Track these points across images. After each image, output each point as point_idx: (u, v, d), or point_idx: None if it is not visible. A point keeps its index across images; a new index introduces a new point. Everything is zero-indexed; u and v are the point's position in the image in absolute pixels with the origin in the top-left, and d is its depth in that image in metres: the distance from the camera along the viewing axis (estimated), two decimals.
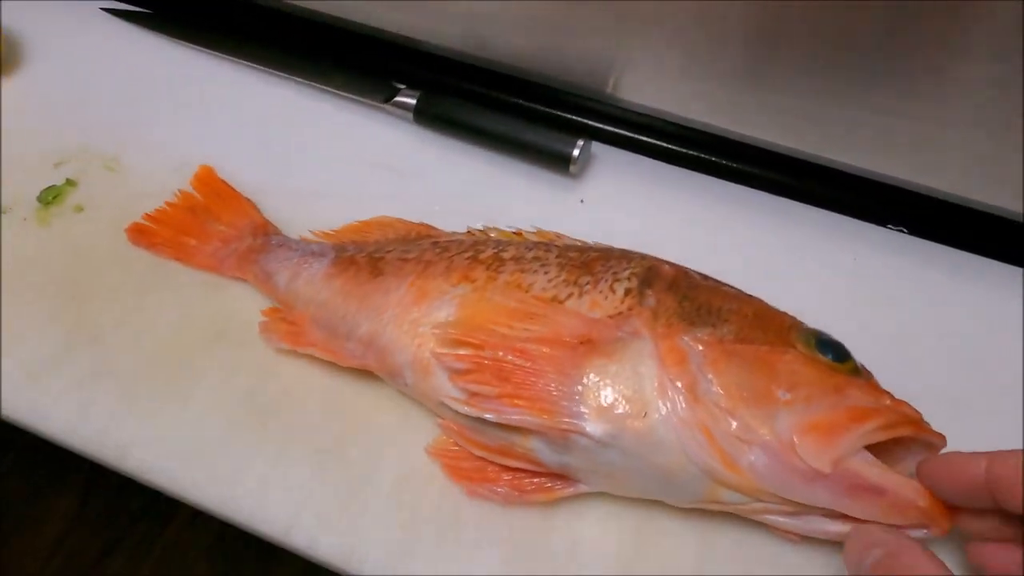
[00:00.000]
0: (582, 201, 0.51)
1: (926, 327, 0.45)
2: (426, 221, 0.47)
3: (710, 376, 0.32)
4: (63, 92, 0.54)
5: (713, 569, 0.35)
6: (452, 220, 0.48)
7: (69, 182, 0.48)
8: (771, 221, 0.50)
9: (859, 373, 0.34)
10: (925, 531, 0.31)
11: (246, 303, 0.44)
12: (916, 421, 0.32)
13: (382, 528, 0.36)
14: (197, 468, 0.38)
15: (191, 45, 0.57)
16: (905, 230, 0.49)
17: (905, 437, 0.32)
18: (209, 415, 0.39)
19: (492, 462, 0.37)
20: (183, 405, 0.40)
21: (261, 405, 0.40)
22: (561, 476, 0.36)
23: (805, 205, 0.51)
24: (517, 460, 0.36)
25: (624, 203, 0.51)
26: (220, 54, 0.57)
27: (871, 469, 0.30)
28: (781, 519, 0.33)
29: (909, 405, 0.33)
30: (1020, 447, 0.37)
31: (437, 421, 0.38)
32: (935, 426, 0.33)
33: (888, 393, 0.33)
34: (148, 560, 1.02)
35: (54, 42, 0.58)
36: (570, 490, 0.36)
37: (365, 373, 0.40)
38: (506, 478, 0.36)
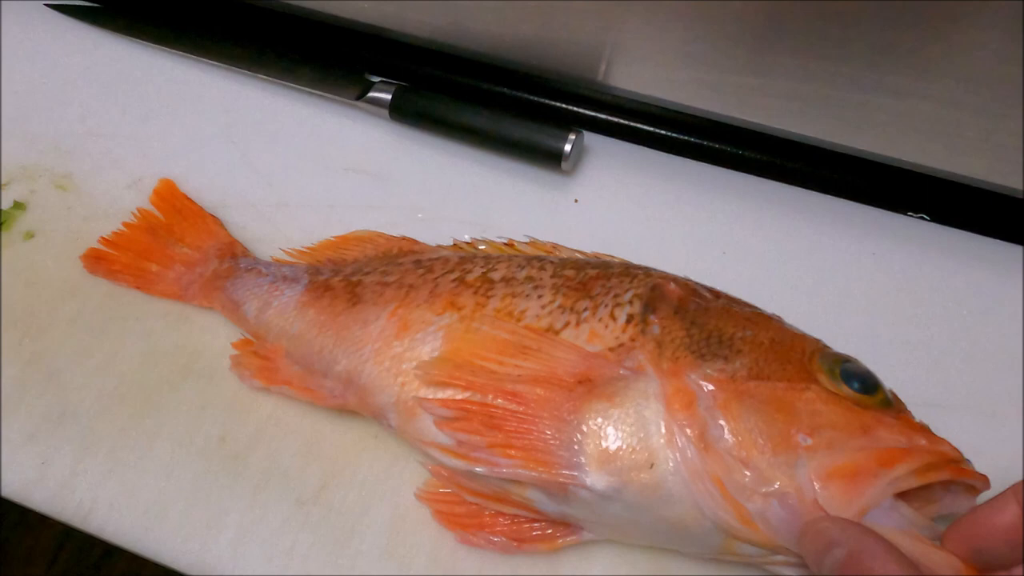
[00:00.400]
0: (576, 201, 0.47)
1: (948, 317, 0.42)
2: (409, 229, 0.43)
3: (721, 421, 0.29)
4: (5, 102, 0.50)
5: None
6: (437, 228, 0.44)
7: (17, 205, 0.44)
8: (781, 211, 0.46)
9: (890, 405, 0.30)
10: None
11: (215, 334, 0.40)
12: (955, 462, 0.29)
13: None
14: (166, 527, 0.35)
15: (144, 42, 0.53)
16: (927, 217, 0.46)
17: None
18: (177, 464, 0.36)
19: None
20: (148, 452, 0.37)
21: (233, 450, 0.37)
22: (564, 523, 0.33)
23: (817, 193, 0.47)
24: (514, 507, 0.33)
25: (622, 200, 0.47)
26: (176, 51, 0.52)
27: (903, 539, 0.27)
28: (797, 574, 0.30)
29: (948, 443, 0.29)
30: None
31: (426, 465, 0.34)
32: (962, 424, 0.30)
33: (924, 429, 0.30)
34: None
35: None
36: (573, 538, 0.33)
37: (339, 409, 0.37)
38: (504, 524, 0.33)
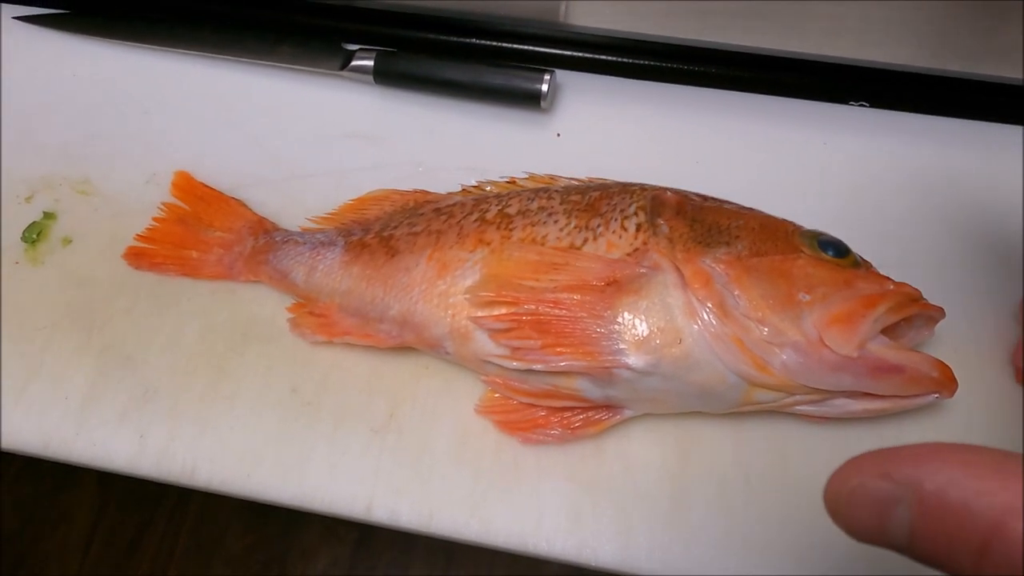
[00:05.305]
0: (559, 135, 0.52)
1: (901, 195, 0.49)
2: (413, 182, 0.48)
3: (736, 292, 0.35)
4: (5, 118, 0.52)
5: (752, 459, 0.40)
6: (438, 177, 0.48)
7: (47, 215, 0.47)
8: (741, 117, 0.52)
9: (859, 265, 0.37)
10: (936, 395, 0.35)
11: (262, 303, 0.45)
12: (918, 299, 0.36)
13: (452, 488, 0.39)
14: (263, 471, 0.40)
15: (121, 42, 0.55)
16: (867, 104, 0.52)
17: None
18: (259, 418, 0.41)
19: (539, 407, 0.39)
20: (231, 412, 0.41)
21: (305, 398, 0.42)
22: (606, 407, 0.39)
23: (771, 96, 0.53)
24: (563, 400, 0.39)
25: (598, 128, 0.52)
26: (154, 46, 0.54)
27: (889, 351, 0.34)
28: (809, 408, 0.37)
29: (909, 285, 0.36)
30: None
31: (482, 378, 0.40)
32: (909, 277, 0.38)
33: (889, 278, 0.37)
34: (184, 527, 1.05)
35: None
36: (616, 418, 0.39)
37: (398, 347, 0.42)
38: (555, 420, 0.39)
